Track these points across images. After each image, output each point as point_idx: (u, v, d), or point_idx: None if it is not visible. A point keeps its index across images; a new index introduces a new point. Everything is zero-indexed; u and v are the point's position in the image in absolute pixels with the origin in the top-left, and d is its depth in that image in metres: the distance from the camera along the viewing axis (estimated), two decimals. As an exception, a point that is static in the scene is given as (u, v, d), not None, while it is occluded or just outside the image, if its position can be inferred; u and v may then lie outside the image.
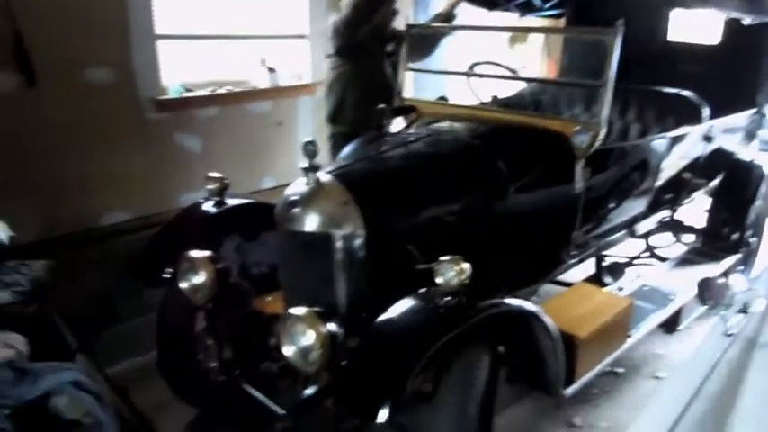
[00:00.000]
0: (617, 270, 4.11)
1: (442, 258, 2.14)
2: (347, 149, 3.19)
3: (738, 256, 4.21)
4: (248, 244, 3.17)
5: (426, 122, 3.41)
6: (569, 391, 2.61)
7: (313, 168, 2.46)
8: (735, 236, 4.26)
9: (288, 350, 2.23)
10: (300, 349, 2.19)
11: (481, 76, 3.66)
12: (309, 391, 2.28)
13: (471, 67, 3.82)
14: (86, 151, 3.66)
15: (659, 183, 3.68)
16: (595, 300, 3.01)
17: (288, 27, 4.84)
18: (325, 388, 2.20)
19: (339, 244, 2.42)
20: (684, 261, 4.10)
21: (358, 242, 2.43)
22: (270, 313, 2.90)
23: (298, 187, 2.54)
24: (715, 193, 4.36)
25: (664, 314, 3.41)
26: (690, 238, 4.43)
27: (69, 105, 3.55)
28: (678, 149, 3.69)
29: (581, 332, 2.62)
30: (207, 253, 2.76)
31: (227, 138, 4.28)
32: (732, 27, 4.26)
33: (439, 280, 2.10)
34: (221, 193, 3.16)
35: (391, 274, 2.53)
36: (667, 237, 4.51)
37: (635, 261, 4.28)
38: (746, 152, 4.47)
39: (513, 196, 2.87)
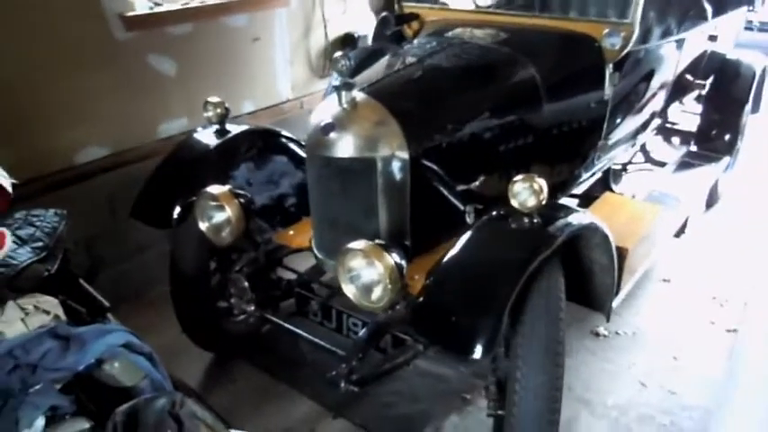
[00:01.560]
0: (617, 176, 4.09)
1: (516, 178, 1.97)
2: (364, 65, 2.91)
3: (729, 157, 4.26)
4: (260, 173, 2.92)
5: (435, 30, 3.15)
6: (616, 302, 2.57)
7: (347, 86, 2.22)
8: (728, 136, 4.28)
9: (348, 288, 2.06)
10: (365, 285, 2.03)
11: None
12: (375, 327, 2.14)
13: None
14: (50, 81, 3.22)
15: (670, 86, 3.59)
16: (628, 209, 2.97)
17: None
18: (399, 323, 2.06)
19: (381, 167, 2.23)
20: (683, 165, 4.10)
21: (401, 164, 2.26)
22: (295, 247, 2.71)
23: (330, 108, 2.30)
24: (707, 95, 4.32)
25: (679, 218, 3.42)
26: (684, 141, 4.44)
27: (25, 29, 3.07)
28: (688, 49, 3.59)
29: (628, 243, 2.57)
30: (227, 187, 2.51)
31: (202, 58, 3.87)
32: None
33: (514, 202, 1.95)
34: (222, 120, 2.87)
35: (435, 200, 2.38)
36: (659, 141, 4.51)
37: (630, 167, 4.25)
38: (737, 51, 4.42)
39: (547, 105, 2.72)
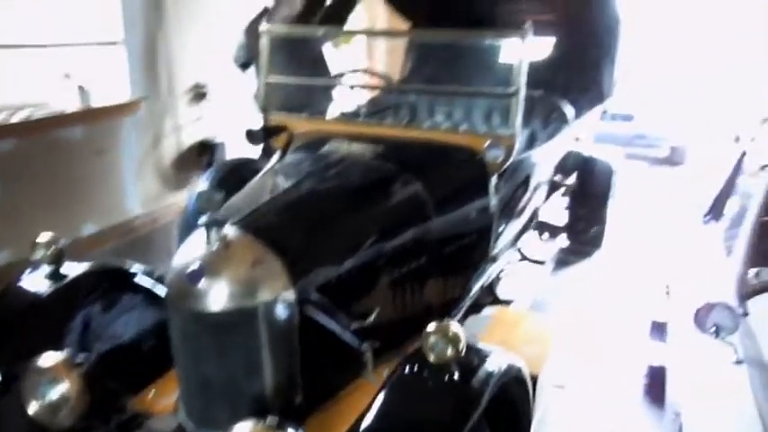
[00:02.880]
0: (498, 280, 4.00)
1: (428, 328, 1.69)
2: (229, 184, 2.57)
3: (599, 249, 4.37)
4: (108, 323, 2.40)
5: (307, 144, 2.90)
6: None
7: (216, 223, 1.86)
8: (594, 229, 4.40)
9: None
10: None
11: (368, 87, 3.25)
12: None
13: (340, 77, 3.39)
14: None
15: (544, 188, 3.60)
16: (525, 327, 2.80)
17: (96, 34, 3.93)
18: None
19: (264, 316, 1.88)
20: (559, 263, 4.13)
21: (287, 309, 1.92)
22: (158, 413, 2.21)
23: (196, 250, 1.91)
24: (572, 192, 4.44)
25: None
26: (554, 236, 4.50)
27: None
28: (557, 152, 3.64)
29: (537, 369, 2.37)
30: (63, 354, 1.99)
31: (31, 177, 3.30)
32: (570, 27, 4.34)
33: (431, 356, 1.66)
34: (58, 259, 2.35)
35: (328, 343, 2.05)
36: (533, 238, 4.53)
37: (510, 268, 4.20)
38: (595, 148, 4.63)
39: (435, 223, 2.54)
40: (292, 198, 2.22)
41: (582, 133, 4.16)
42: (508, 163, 2.70)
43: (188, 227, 3.25)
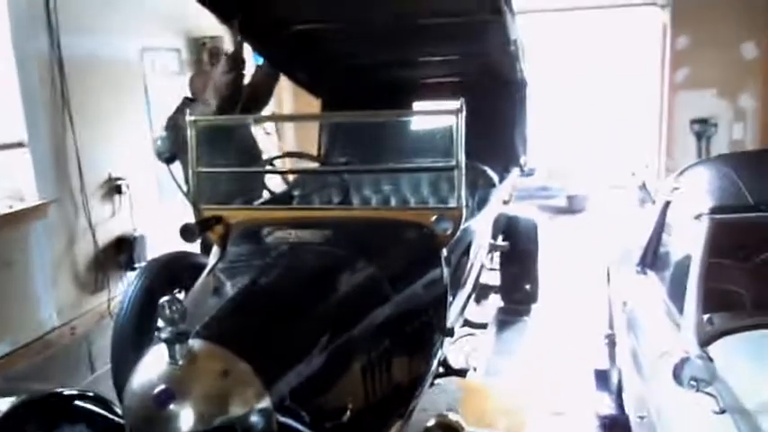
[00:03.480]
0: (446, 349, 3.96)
1: (429, 423, 1.61)
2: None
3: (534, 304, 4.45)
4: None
5: (248, 234, 2.78)
6: None
7: (180, 337, 1.71)
8: (528, 287, 4.48)
9: None
10: None
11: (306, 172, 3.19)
12: None
13: (270, 162, 3.32)
14: None
15: (483, 253, 3.65)
16: (497, 397, 2.78)
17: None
18: None
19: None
20: (500, 324, 4.16)
21: (263, 420, 1.77)
22: None
23: (156, 369, 1.73)
24: (502, 253, 4.52)
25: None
26: (487, 297, 4.54)
27: None
28: (491, 216, 3.71)
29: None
30: None
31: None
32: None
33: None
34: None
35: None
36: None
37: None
38: (516, 207, 4.77)
39: (394, 303, 2.48)
40: (250, 298, 2.09)
41: (506, 195, 4.29)
42: (457, 234, 2.71)
43: (122, 337, 3.01)
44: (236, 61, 3.76)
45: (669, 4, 6.51)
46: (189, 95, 3.95)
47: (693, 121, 6.49)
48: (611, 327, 4.00)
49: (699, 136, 6.49)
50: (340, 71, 4.43)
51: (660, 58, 6.84)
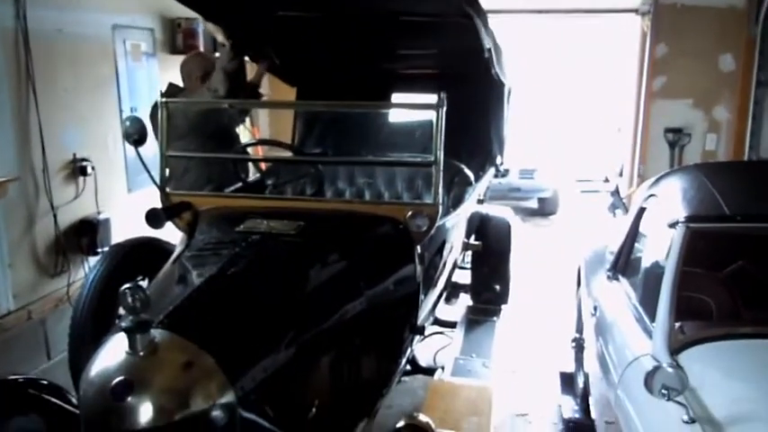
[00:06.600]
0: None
1: (399, 424, 1.56)
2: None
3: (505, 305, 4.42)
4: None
5: (219, 221, 2.69)
6: None
7: (142, 326, 1.63)
8: (498, 287, 4.45)
9: None
10: None
11: (277, 160, 3.10)
12: None
13: (244, 149, 3.23)
14: None
15: (458, 251, 3.61)
16: (463, 397, 2.72)
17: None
18: None
19: (206, 425, 1.67)
20: (470, 323, 4.11)
21: (227, 414, 1.71)
22: None
23: (115, 359, 1.66)
24: (474, 252, 4.49)
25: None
26: (457, 296, 4.51)
27: None
28: (466, 214, 3.68)
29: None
30: None
31: None
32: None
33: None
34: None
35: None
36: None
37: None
38: (489, 207, 4.74)
39: (366, 298, 2.44)
40: (217, 288, 2.01)
41: (481, 194, 4.26)
42: (432, 231, 2.66)
43: (81, 324, 2.90)
44: (240, 47, 3.71)
45: (649, 12, 6.56)
46: (173, 82, 3.84)
47: (668, 130, 6.55)
48: (578, 330, 4.02)
49: (672, 145, 6.56)
50: (316, 59, 4.36)
51: (638, 65, 6.91)
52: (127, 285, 1.64)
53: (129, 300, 1.64)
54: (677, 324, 2.33)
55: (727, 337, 2.28)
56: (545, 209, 10.13)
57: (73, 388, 2.47)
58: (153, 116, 3.17)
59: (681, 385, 1.86)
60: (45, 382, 2.19)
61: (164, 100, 2.90)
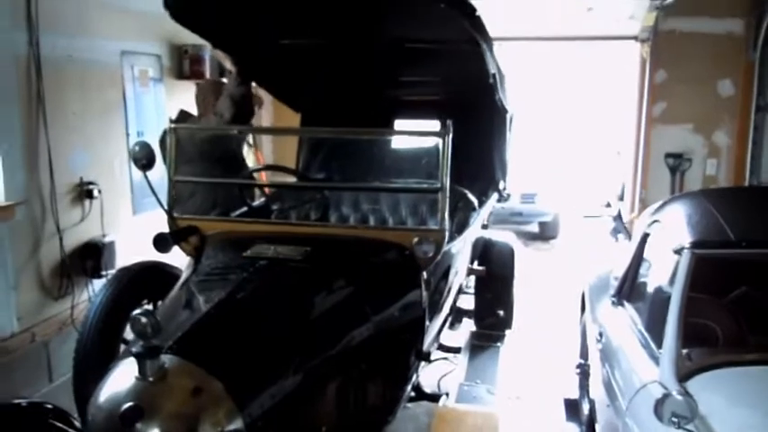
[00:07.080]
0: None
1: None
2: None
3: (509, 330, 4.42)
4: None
5: (226, 246, 2.70)
6: None
7: (152, 351, 1.64)
8: (502, 313, 4.45)
9: None
10: None
11: (282, 186, 3.12)
12: None
13: (251, 174, 3.26)
14: None
15: (463, 276, 3.62)
16: (470, 422, 2.71)
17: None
18: None
19: None
20: (474, 349, 4.10)
21: (236, 442, 1.70)
22: None
23: (125, 384, 1.66)
24: (477, 277, 4.49)
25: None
26: (460, 321, 4.50)
27: None
28: (470, 240, 3.69)
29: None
30: None
31: None
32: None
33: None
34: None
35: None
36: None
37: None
38: (493, 233, 4.76)
39: (371, 322, 2.44)
40: (226, 314, 2.02)
41: (485, 219, 4.28)
42: (438, 257, 2.67)
43: (87, 347, 2.89)
44: (247, 74, 3.77)
45: (649, 39, 6.64)
46: (184, 109, 3.90)
47: (668, 155, 6.59)
48: (583, 356, 4.00)
49: (673, 170, 6.59)
50: (321, 86, 4.41)
51: (639, 91, 6.97)
52: (138, 311, 1.65)
53: (140, 325, 1.65)
54: (684, 351, 2.33)
55: (734, 363, 2.28)
56: (546, 233, 10.12)
57: (76, 411, 2.46)
58: (162, 142, 3.21)
59: (690, 413, 1.86)
60: (50, 406, 2.18)
61: (173, 126, 2.94)
